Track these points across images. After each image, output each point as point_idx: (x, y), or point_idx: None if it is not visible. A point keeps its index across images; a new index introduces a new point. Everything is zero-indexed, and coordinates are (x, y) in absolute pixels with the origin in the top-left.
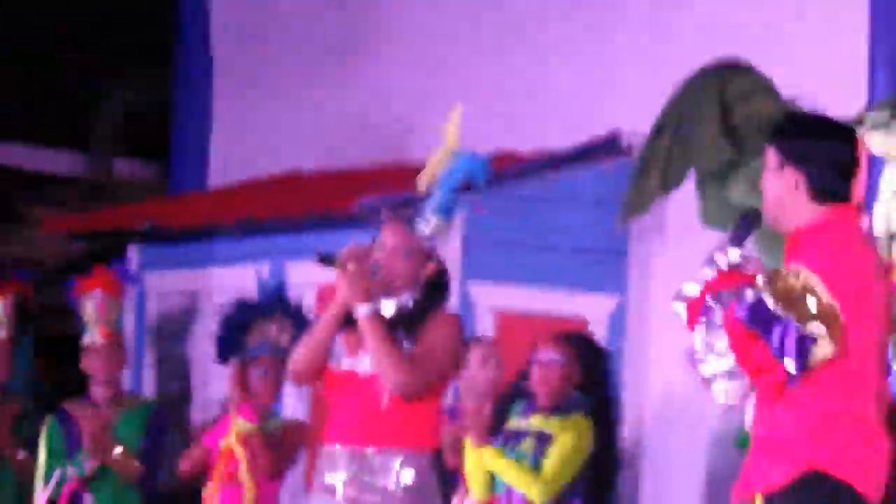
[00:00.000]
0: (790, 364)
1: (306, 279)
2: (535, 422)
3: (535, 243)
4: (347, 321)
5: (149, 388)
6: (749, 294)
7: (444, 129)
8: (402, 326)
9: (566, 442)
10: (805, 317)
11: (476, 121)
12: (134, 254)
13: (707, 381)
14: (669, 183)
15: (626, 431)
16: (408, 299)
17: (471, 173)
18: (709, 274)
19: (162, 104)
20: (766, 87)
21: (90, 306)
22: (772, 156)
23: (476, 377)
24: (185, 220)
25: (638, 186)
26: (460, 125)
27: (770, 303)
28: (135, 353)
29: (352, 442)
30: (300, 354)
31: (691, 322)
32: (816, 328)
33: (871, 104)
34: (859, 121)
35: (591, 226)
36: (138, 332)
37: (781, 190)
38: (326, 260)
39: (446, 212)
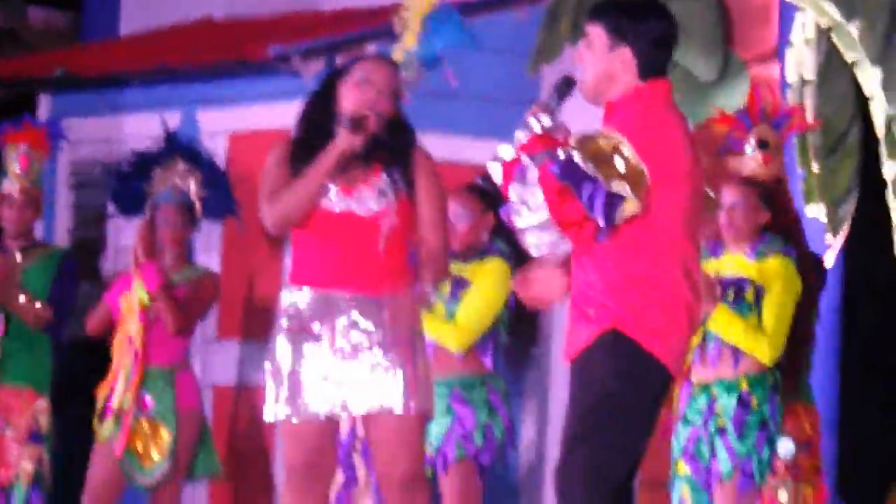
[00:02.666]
0: (598, 219)
1: (218, 127)
2: (452, 267)
3: (445, 90)
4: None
5: (61, 237)
6: (562, 153)
7: None
8: (392, 165)
9: (482, 288)
10: (612, 176)
11: None
12: (46, 101)
13: (521, 233)
14: (580, 30)
15: None
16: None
17: (454, 32)
18: (523, 137)
19: None
20: None
21: (13, 158)
22: (599, 34)
23: None
24: (97, 68)
25: (548, 34)
26: None
27: (581, 162)
28: (47, 201)
29: (350, 287)
30: (287, 202)
31: (506, 181)
32: (622, 187)
33: None
34: None
35: (503, 73)
36: (51, 180)
37: (610, 67)
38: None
39: (430, 63)
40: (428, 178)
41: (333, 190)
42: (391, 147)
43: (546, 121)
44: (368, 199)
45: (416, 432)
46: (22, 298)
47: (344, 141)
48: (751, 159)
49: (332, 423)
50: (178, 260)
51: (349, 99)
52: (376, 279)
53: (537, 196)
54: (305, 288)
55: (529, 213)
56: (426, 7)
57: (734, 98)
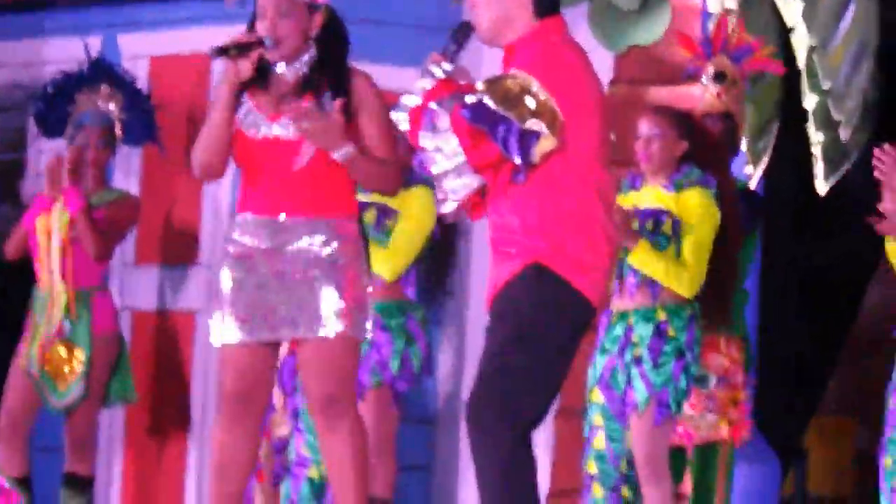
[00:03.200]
0: (515, 158)
1: (140, 51)
2: (376, 195)
3: (367, 18)
4: (259, 83)
5: None
6: (470, 98)
7: None
8: (321, 85)
9: (411, 215)
10: (525, 114)
11: None
12: None
13: (438, 180)
14: None
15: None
16: (309, 58)
17: None
18: (427, 84)
19: None
20: None
21: None
22: None
23: None
24: None
25: None
26: None
27: (491, 104)
28: None
29: (278, 211)
30: (202, 149)
31: (415, 130)
32: (536, 124)
33: None
34: None
35: (424, 1)
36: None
37: (505, 8)
38: (221, 52)
39: None
40: (368, 97)
41: (261, 118)
42: (318, 75)
43: (447, 67)
44: (284, 125)
45: (341, 355)
46: None
47: (228, 71)
48: (704, 90)
49: (268, 348)
50: (96, 183)
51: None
52: (306, 202)
53: (451, 142)
54: (245, 214)
55: (444, 159)
56: None
57: (655, 28)
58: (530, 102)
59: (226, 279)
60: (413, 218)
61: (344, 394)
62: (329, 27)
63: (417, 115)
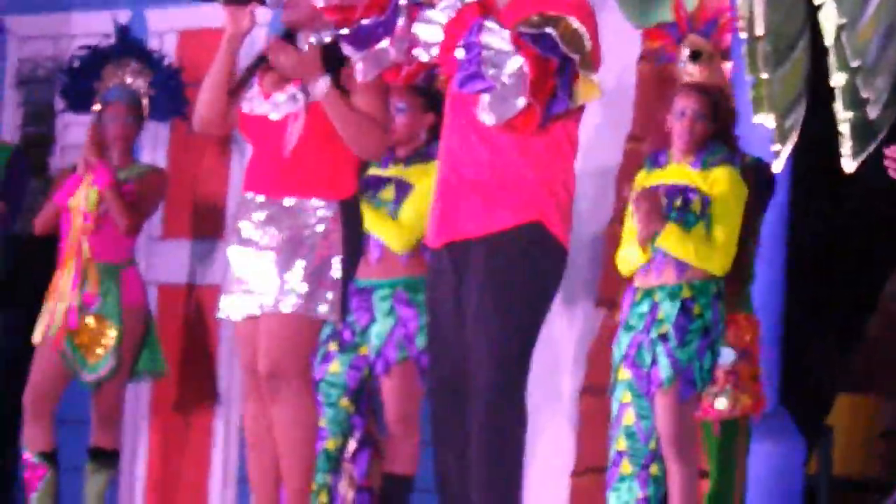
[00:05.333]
0: (563, 99)
1: (167, 26)
2: (394, 170)
3: None
4: (262, 61)
5: (10, 134)
6: (528, 26)
7: None
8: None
9: (425, 189)
10: (586, 59)
11: None
12: None
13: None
14: None
15: None
16: (325, 37)
17: None
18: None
19: None
20: None
21: None
22: None
23: None
24: None
25: None
26: None
27: (557, 38)
28: None
29: (264, 190)
30: (200, 100)
31: (450, 43)
32: (590, 73)
33: None
34: None
35: None
36: None
37: None
38: None
39: None
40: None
41: (257, 94)
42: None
43: None
44: (280, 102)
45: (292, 330)
46: None
47: (226, 23)
48: (684, 72)
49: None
50: (123, 157)
51: None
52: (286, 182)
53: (512, 62)
54: (247, 193)
55: (499, 76)
56: None
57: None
58: (585, 48)
59: (231, 256)
60: (425, 193)
61: (284, 368)
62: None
63: (456, 28)
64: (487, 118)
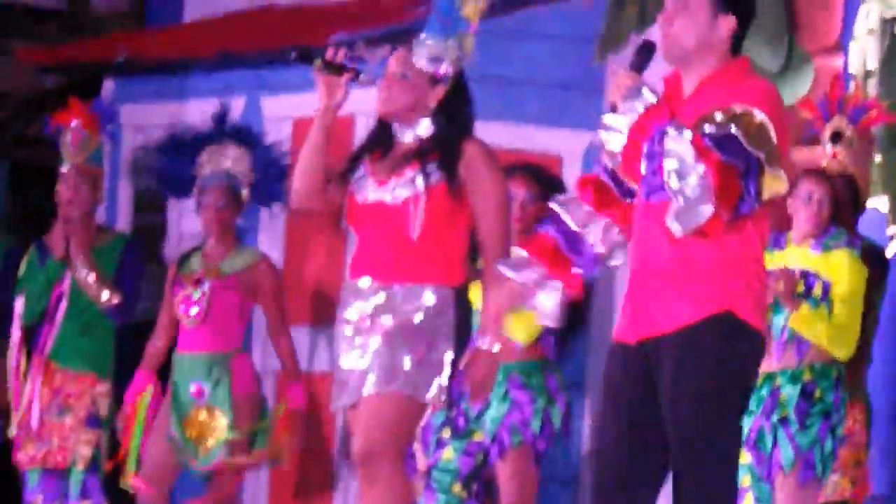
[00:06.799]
0: (751, 198)
1: (282, 113)
2: None
3: (511, 78)
4: (382, 149)
5: (124, 223)
6: (713, 128)
7: None
8: (432, 158)
9: None
10: (771, 155)
11: None
12: (109, 87)
13: (678, 202)
14: (646, 19)
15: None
16: (426, 128)
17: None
18: (638, 105)
19: None
20: None
21: (67, 139)
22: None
23: None
24: (160, 53)
25: (614, 22)
26: None
27: (741, 139)
28: (109, 186)
29: (377, 276)
30: (296, 175)
31: (632, 151)
32: (776, 168)
33: None
34: None
35: (567, 61)
36: (113, 165)
37: (712, 35)
38: (305, 57)
39: (444, 34)
40: (480, 168)
41: (370, 182)
42: (429, 145)
43: (653, 92)
44: (398, 188)
45: (391, 411)
46: (92, 278)
47: (320, 93)
48: (822, 151)
49: None
50: (222, 244)
51: None
52: (401, 268)
53: (696, 170)
54: (354, 280)
55: (685, 186)
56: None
57: (798, 89)
58: (771, 143)
59: (339, 345)
60: None
61: (377, 450)
62: (451, 100)
63: (639, 135)
64: (675, 228)
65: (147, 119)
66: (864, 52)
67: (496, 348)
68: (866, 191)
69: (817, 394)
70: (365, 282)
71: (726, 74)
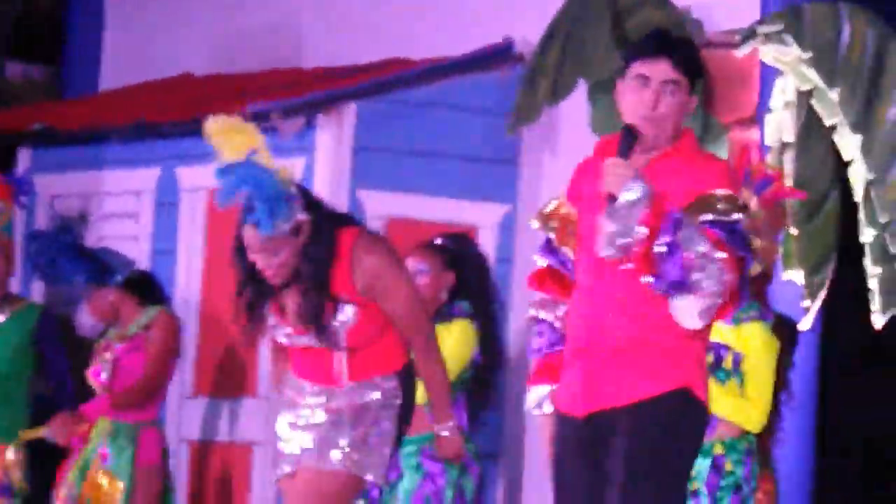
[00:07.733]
0: (742, 289)
1: (198, 183)
2: None
3: (425, 150)
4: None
5: (38, 294)
6: (722, 216)
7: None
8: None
9: (445, 347)
10: (756, 247)
11: (368, 29)
12: (25, 156)
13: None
14: (559, 92)
15: (511, 336)
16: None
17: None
18: (634, 195)
19: (53, 6)
20: None
21: None
22: (682, 81)
23: None
24: (76, 123)
25: (527, 95)
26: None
27: (746, 232)
28: (24, 257)
29: (322, 381)
30: None
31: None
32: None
33: (764, 16)
34: (752, 32)
35: (483, 134)
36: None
37: (681, 106)
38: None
39: (273, 219)
40: (375, 273)
41: (288, 330)
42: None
43: (645, 187)
44: (309, 339)
45: (320, 485)
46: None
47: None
48: None
49: None
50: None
51: None
52: (334, 376)
53: (714, 262)
54: (296, 377)
55: (705, 282)
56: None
57: None
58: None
59: (279, 424)
60: (448, 350)
61: None
62: (312, 238)
63: (653, 224)
64: (691, 322)
65: (63, 189)
66: (780, 125)
67: None
68: (774, 263)
69: (728, 466)
70: (307, 384)
71: (679, 152)
